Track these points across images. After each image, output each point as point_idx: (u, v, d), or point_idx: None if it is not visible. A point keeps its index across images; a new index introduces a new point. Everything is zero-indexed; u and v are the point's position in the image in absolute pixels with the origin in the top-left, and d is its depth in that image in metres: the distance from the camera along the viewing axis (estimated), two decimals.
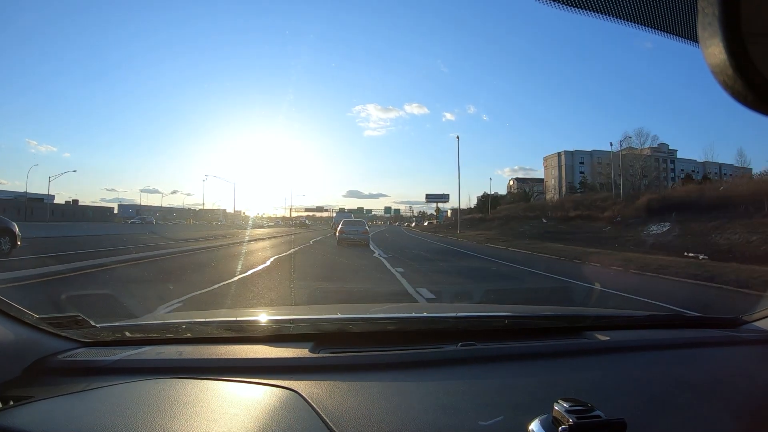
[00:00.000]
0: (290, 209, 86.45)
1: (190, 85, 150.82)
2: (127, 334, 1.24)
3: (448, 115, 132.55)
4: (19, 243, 10.15)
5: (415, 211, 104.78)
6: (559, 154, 68.28)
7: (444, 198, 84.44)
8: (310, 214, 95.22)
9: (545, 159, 72.86)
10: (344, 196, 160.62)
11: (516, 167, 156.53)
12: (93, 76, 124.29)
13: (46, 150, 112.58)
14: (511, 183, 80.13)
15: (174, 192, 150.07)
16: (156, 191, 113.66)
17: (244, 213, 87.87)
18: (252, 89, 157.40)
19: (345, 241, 17.94)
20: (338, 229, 19.28)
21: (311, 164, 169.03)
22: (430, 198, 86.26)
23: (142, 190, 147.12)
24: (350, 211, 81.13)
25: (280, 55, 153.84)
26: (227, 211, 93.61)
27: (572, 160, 65.69)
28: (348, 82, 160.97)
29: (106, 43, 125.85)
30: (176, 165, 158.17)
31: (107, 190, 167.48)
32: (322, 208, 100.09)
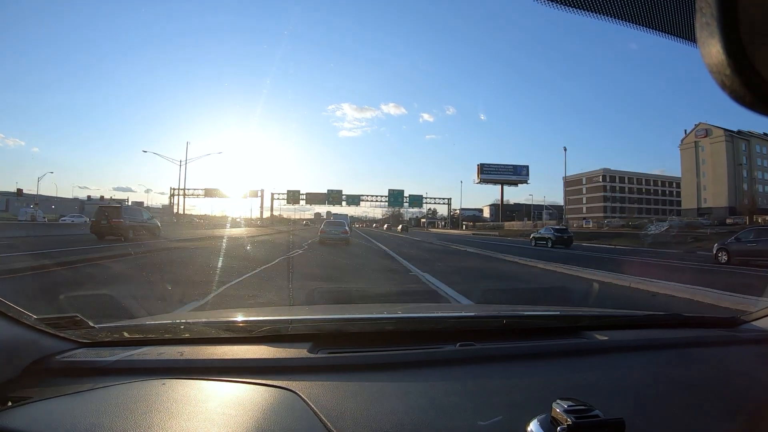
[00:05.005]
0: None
1: (163, 84, 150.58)
2: (126, 334, 1.24)
3: (426, 116, 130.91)
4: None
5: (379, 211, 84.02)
6: None
7: (521, 172, 55.13)
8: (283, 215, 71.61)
9: None
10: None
11: None
12: (66, 73, 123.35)
13: (13, 143, 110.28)
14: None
15: (148, 191, 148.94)
16: (129, 189, 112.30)
17: (217, 213, 68.92)
18: (221, 84, 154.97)
19: (327, 240, 19.37)
20: (320, 229, 20.96)
21: (285, 165, 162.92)
22: (488, 172, 54.90)
23: (115, 189, 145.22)
24: (322, 194, 71.25)
25: (252, 53, 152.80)
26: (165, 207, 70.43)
27: None
28: (323, 81, 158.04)
29: (80, 42, 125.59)
30: (150, 163, 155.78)
31: (79, 187, 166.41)
32: (256, 192, 69.00)
